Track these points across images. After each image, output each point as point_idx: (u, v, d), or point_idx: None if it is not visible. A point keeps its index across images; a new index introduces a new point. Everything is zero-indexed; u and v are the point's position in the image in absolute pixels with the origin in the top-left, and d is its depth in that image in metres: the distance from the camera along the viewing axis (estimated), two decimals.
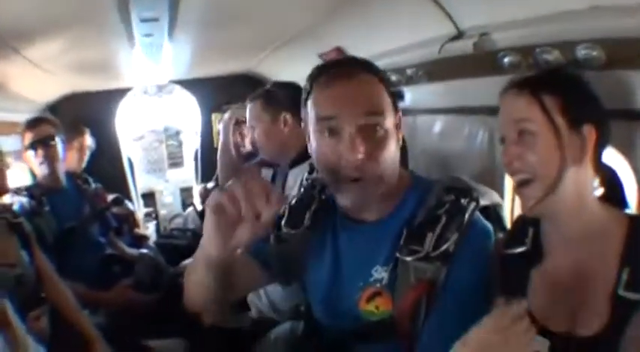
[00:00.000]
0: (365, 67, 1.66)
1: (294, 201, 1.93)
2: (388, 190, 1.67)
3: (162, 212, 6.89)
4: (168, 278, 3.79)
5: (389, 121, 1.62)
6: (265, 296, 2.81)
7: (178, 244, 4.74)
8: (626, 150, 1.77)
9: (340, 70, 1.63)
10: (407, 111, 3.23)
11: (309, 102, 1.67)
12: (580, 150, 1.44)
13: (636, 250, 1.41)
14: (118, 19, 2.63)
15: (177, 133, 7.48)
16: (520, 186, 1.50)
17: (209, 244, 1.37)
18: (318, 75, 1.66)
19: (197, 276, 1.59)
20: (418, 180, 1.82)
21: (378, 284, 1.67)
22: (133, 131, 7.20)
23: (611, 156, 1.78)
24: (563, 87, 1.47)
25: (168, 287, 3.59)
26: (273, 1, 2.74)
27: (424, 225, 1.62)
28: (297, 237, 1.84)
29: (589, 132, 1.44)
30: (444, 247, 1.57)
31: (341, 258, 1.80)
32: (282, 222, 1.87)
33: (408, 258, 1.59)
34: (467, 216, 1.63)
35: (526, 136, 1.44)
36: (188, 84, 6.08)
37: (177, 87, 6.34)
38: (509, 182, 2.41)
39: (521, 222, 1.67)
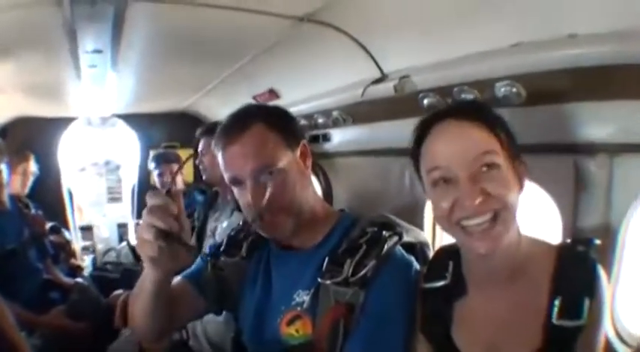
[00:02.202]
0: (255, 117, 1.68)
1: (233, 232, 1.99)
2: (307, 222, 1.71)
3: (100, 246, 6.54)
4: (100, 308, 3.81)
5: (283, 162, 1.65)
6: (205, 338, 2.73)
7: (111, 277, 4.67)
8: (549, 184, 1.77)
9: (230, 132, 1.67)
10: (333, 154, 3.30)
11: None
12: (522, 180, 1.39)
13: (566, 279, 1.37)
14: (67, 49, 2.63)
15: (117, 168, 7.33)
16: (485, 227, 1.33)
17: (154, 266, 1.46)
18: (218, 137, 1.70)
19: (142, 304, 1.62)
20: (346, 215, 1.84)
21: (299, 308, 1.67)
22: (76, 162, 7.01)
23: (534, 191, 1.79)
24: (502, 121, 1.41)
25: (100, 316, 3.61)
26: (210, 41, 2.70)
27: (345, 253, 1.63)
28: (233, 265, 1.88)
29: (524, 163, 1.40)
30: (362, 272, 1.57)
31: (270, 286, 1.81)
32: (220, 251, 1.92)
33: (328, 282, 1.60)
34: (387, 246, 1.63)
35: (490, 170, 1.32)
36: (129, 118, 5.93)
37: (120, 121, 6.16)
38: (429, 219, 2.41)
39: (440, 256, 1.62)
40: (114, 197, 7.28)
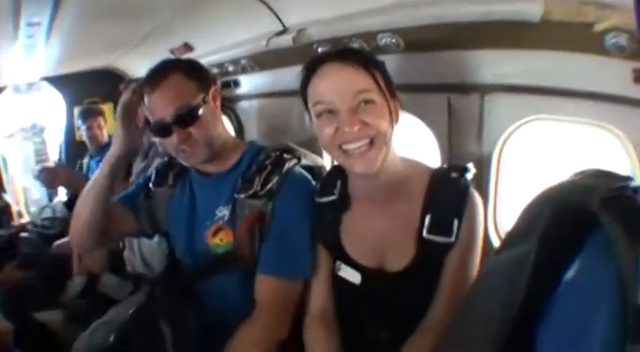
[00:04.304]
0: (172, 68, 1.90)
1: (160, 166, 2.26)
2: (220, 151, 1.98)
3: (32, 209, 6.47)
4: (47, 258, 3.89)
5: (196, 102, 1.88)
6: (139, 253, 2.88)
7: (51, 233, 4.63)
8: (427, 118, 2.08)
9: (151, 82, 1.88)
10: (243, 97, 3.61)
11: None
12: (397, 113, 1.60)
13: (436, 199, 1.60)
14: (10, 22, 2.73)
15: (43, 130, 7.21)
16: (363, 150, 1.54)
17: (118, 142, 1.93)
18: (147, 80, 1.90)
19: (91, 197, 1.96)
20: (253, 145, 2.11)
21: (221, 221, 1.97)
22: (5, 129, 6.90)
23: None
24: (380, 64, 1.60)
25: (47, 265, 3.69)
26: (132, 2, 2.83)
27: (255, 172, 1.94)
28: (162, 193, 2.17)
29: (399, 99, 1.61)
30: (268, 186, 1.89)
31: (195, 206, 2.09)
32: (150, 182, 2.20)
33: (242, 196, 1.91)
34: (287, 165, 1.95)
35: (367, 105, 1.51)
36: (55, 80, 5.84)
37: (45, 84, 6.05)
38: None
39: (330, 175, 1.87)
40: (41, 159, 7.14)
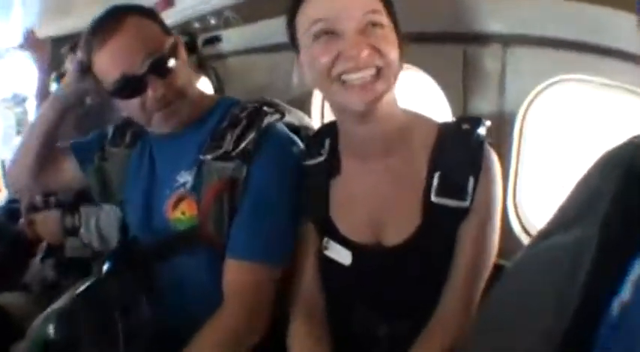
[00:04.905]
0: (126, 11, 1.57)
1: (119, 123, 1.95)
2: (188, 107, 1.64)
3: None
4: (11, 233, 3.72)
5: (168, 46, 1.58)
6: (95, 229, 2.69)
7: (18, 207, 4.51)
8: (437, 73, 1.84)
9: (108, 25, 1.54)
10: (227, 54, 3.44)
11: None
12: (401, 47, 1.32)
13: (446, 153, 1.36)
14: None
15: (24, 100, 7.08)
16: (367, 80, 1.26)
17: (72, 76, 1.77)
18: (92, 40, 1.58)
19: (33, 133, 1.87)
20: (226, 99, 1.80)
21: (182, 189, 1.65)
22: None
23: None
24: None
25: (12, 241, 3.56)
26: None
27: (227, 128, 1.61)
28: (118, 155, 1.88)
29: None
30: (243, 145, 1.56)
31: (155, 173, 1.78)
32: (106, 142, 1.92)
33: (209, 157, 1.58)
34: (267, 119, 1.63)
35: (375, 28, 1.25)
36: None
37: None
38: (317, 109, 2.53)
39: (319, 134, 1.61)
40: (21, 129, 7.06)
